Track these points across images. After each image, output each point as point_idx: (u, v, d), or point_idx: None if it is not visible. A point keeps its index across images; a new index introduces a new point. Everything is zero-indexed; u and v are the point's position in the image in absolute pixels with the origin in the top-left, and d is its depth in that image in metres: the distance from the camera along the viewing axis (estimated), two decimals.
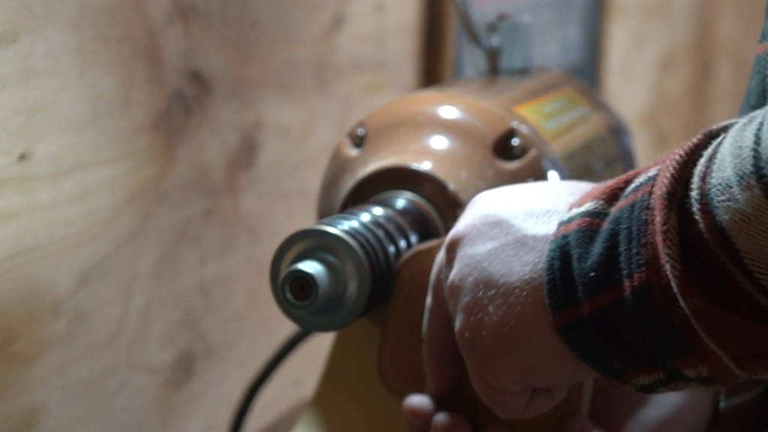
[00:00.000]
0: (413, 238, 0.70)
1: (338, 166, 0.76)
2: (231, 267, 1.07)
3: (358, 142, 0.76)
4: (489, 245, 0.60)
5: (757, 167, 0.50)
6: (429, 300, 0.66)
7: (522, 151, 0.74)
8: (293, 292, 0.64)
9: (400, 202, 0.71)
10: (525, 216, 0.60)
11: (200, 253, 1.02)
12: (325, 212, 0.76)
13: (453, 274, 0.62)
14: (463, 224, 0.62)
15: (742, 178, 0.50)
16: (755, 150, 0.50)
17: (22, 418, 0.85)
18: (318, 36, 1.15)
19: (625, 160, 0.85)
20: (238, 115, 1.05)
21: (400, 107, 0.77)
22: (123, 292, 0.94)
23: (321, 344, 0.88)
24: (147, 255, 0.96)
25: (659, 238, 0.53)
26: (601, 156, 0.82)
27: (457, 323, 0.61)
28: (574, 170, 0.77)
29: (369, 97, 1.23)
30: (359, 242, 0.65)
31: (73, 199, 0.88)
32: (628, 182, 0.57)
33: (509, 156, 0.74)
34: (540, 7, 1.60)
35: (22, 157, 0.82)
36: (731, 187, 0.50)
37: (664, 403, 0.69)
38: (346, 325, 0.67)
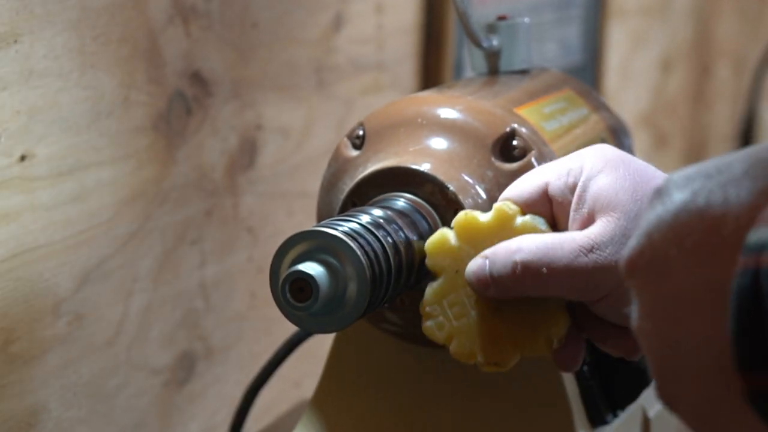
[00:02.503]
0: (413, 239, 0.70)
1: (338, 166, 0.76)
2: (231, 267, 1.07)
3: (358, 142, 0.76)
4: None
5: None
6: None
7: (522, 152, 0.74)
8: (293, 294, 0.64)
9: (400, 203, 0.71)
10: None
11: (200, 253, 1.02)
12: (325, 213, 0.76)
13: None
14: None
15: None
16: None
17: (22, 418, 0.86)
18: (318, 37, 1.15)
19: None
20: (239, 116, 1.05)
21: (400, 108, 0.77)
22: (123, 293, 0.94)
23: (321, 345, 0.88)
24: (147, 255, 0.96)
25: None
26: None
27: (635, 314, 0.51)
28: None
29: (369, 97, 1.23)
30: (359, 244, 0.65)
31: (73, 200, 0.88)
32: None
33: (509, 157, 0.74)
34: (540, 8, 1.60)
35: (23, 158, 0.83)
36: None
37: None
38: (346, 327, 0.67)
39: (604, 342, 0.69)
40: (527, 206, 0.68)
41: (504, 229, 0.68)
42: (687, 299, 0.48)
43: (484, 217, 0.68)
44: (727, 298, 0.45)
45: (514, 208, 0.68)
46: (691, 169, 0.50)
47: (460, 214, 0.69)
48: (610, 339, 0.69)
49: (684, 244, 0.48)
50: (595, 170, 0.67)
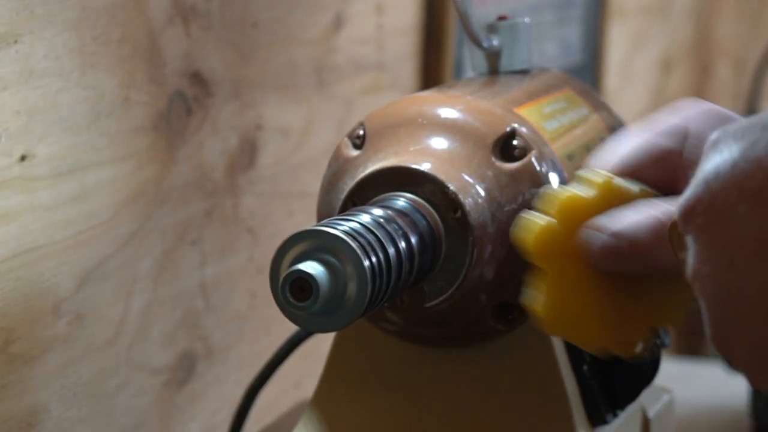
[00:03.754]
0: (413, 239, 0.70)
1: (338, 166, 0.76)
2: (231, 267, 1.07)
3: (358, 142, 0.76)
4: None
5: None
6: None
7: (522, 152, 0.74)
8: (293, 293, 0.64)
9: (400, 203, 0.71)
10: None
11: (200, 253, 1.02)
12: (325, 213, 0.76)
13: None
14: None
15: None
16: None
17: (22, 418, 0.86)
18: (318, 37, 1.15)
19: None
20: (239, 116, 1.05)
21: (400, 108, 0.77)
22: (123, 293, 0.94)
23: (321, 345, 0.88)
24: (147, 255, 0.96)
25: None
26: None
27: (692, 260, 0.52)
28: (574, 171, 0.77)
29: (369, 97, 1.23)
30: (359, 243, 0.65)
31: (73, 200, 0.88)
32: None
33: (509, 157, 0.74)
34: (540, 8, 1.60)
35: (23, 158, 0.83)
36: None
37: None
38: (346, 326, 0.67)
39: None
40: (627, 173, 0.63)
41: (615, 201, 0.63)
42: (747, 244, 0.49)
43: (586, 193, 0.64)
44: None
45: (617, 177, 0.64)
46: (745, 122, 0.51)
47: (558, 194, 0.64)
48: None
49: (744, 189, 0.49)
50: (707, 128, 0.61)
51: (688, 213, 0.52)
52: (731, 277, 0.50)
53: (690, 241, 0.52)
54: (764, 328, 0.48)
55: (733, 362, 0.51)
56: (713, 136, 0.52)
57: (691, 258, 0.52)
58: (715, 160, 0.51)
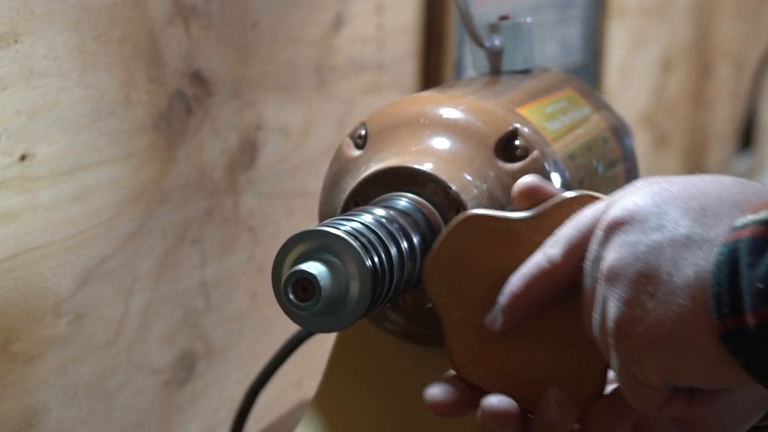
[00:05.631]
0: (415, 239, 0.69)
1: (340, 166, 0.76)
2: (232, 267, 1.07)
3: (360, 142, 0.76)
4: (654, 237, 0.59)
5: None
6: (557, 252, 0.64)
7: (524, 152, 0.74)
8: (296, 293, 0.64)
9: (402, 203, 0.71)
10: (695, 213, 0.59)
11: (201, 253, 1.02)
12: (327, 212, 0.76)
13: (613, 259, 0.60)
14: (629, 207, 0.61)
15: None
16: None
17: (22, 418, 0.85)
18: (318, 37, 1.15)
19: (627, 160, 0.85)
20: (239, 116, 1.05)
21: (402, 108, 0.77)
22: (124, 292, 0.94)
23: (322, 345, 0.88)
24: (148, 255, 0.96)
25: None
26: (603, 156, 0.82)
27: (611, 310, 0.60)
28: (575, 171, 0.77)
29: (369, 97, 1.23)
30: (361, 243, 0.65)
31: (73, 200, 0.88)
32: None
33: (511, 157, 0.74)
34: (540, 8, 1.60)
35: (23, 158, 0.82)
36: None
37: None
38: (348, 326, 0.67)
39: None
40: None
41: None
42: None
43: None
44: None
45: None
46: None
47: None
48: None
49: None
50: None
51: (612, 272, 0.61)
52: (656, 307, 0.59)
53: (610, 296, 0.61)
54: (690, 335, 0.58)
55: (663, 367, 0.60)
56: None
57: (611, 311, 0.61)
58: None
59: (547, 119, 0.78)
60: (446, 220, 0.71)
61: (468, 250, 0.67)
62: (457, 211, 0.71)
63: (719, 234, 0.58)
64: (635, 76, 2.01)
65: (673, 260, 0.58)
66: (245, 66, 1.05)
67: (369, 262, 0.65)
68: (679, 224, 0.59)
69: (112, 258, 0.92)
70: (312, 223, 0.68)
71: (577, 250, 0.63)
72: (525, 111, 0.77)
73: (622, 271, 0.60)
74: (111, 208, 0.91)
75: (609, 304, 0.60)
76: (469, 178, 0.72)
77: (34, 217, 0.84)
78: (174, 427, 1.02)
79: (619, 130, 0.86)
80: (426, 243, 0.70)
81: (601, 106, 0.87)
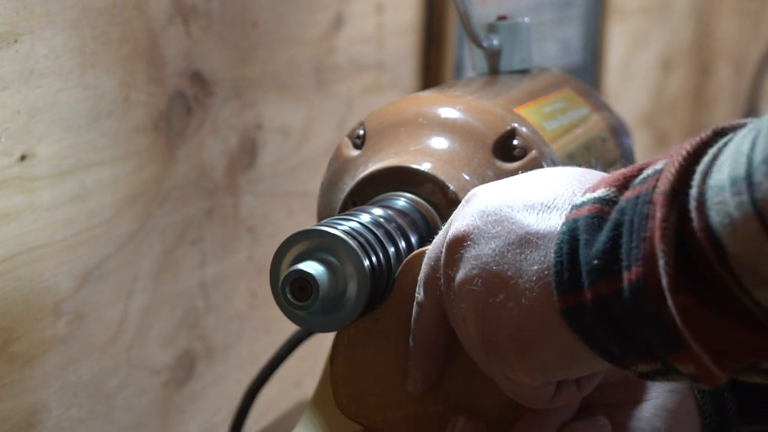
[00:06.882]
0: (413, 239, 0.70)
1: (338, 166, 0.76)
2: (231, 267, 1.07)
3: (359, 142, 0.76)
4: (493, 244, 0.60)
5: (748, 173, 0.50)
6: (421, 296, 0.65)
7: (522, 151, 0.74)
8: (294, 293, 0.64)
9: (400, 203, 0.71)
10: (525, 211, 0.60)
11: (201, 253, 1.02)
12: (325, 212, 0.76)
13: (461, 276, 0.61)
14: (464, 223, 0.62)
15: (734, 182, 0.51)
16: (749, 156, 0.51)
17: (22, 418, 0.86)
18: (318, 36, 1.15)
19: (625, 160, 0.85)
20: (239, 116, 1.05)
21: (401, 107, 0.77)
22: (123, 292, 0.94)
23: (321, 345, 0.88)
24: (147, 255, 0.96)
25: (657, 234, 0.53)
26: (602, 156, 0.82)
27: (471, 327, 0.61)
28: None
29: (369, 97, 1.23)
30: (359, 243, 0.65)
31: (73, 200, 0.88)
32: (640, 171, 0.57)
33: (509, 157, 0.74)
34: (540, 8, 1.60)
35: (23, 158, 0.83)
36: (724, 190, 0.51)
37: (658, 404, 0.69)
38: (346, 326, 0.67)
39: None
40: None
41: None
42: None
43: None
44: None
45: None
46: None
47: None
48: None
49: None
50: None
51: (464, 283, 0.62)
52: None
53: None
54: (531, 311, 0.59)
55: (503, 350, 0.61)
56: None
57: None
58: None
59: (545, 119, 0.78)
60: (444, 220, 0.71)
61: (358, 362, 0.69)
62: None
63: (552, 226, 0.59)
64: (635, 76, 2.01)
65: (515, 262, 0.59)
66: (245, 66, 1.05)
67: (367, 262, 0.65)
68: (513, 227, 0.60)
69: (111, 258, 0.92)
70: (312, 223, 0.69)
71: (434, 280, 0.64)
72: (523, 111, 0.77)
73: (471, 285, 0.61)
74: (111, 208, 0.92)
75: (468, 323, 0.61)
76: (467, 177, 0.72)
77: (34, 217, 0.84)
78: (174, 427, 1.02)
79: (617, 130, 0.86)
80: (424, 243, 0.70)
81: (600, 106, 0.87)
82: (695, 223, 0.52)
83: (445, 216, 0.72)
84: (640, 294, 0.54)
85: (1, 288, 0.82)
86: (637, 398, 0.69)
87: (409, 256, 0.68)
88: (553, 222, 0.59)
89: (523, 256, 0.59)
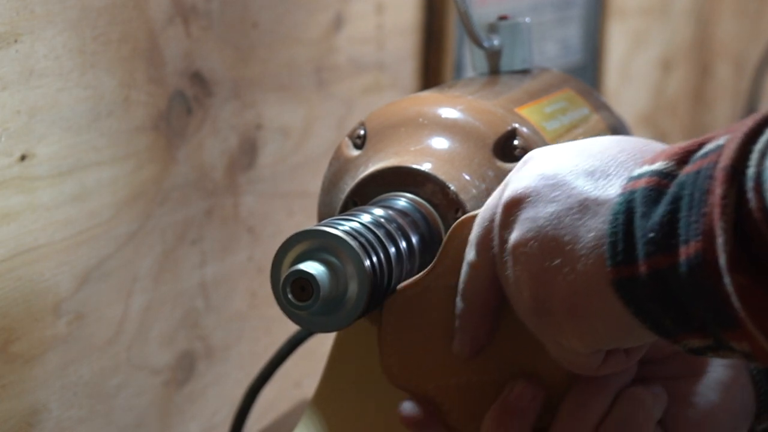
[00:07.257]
0: (414, 239, 0.70)
1: (339, 166, 0.76)
2: (231, 267, 1.07)
3: (359, 142, 0.76)
4: (551, 208, 0.60)
5: None
6: (472, 256, 0.64)
7: (523, 151, 0.74)
8: (294, 293, 0.64)
9: (401, 203, 0.71)
10: (586, 177, 0.60)
11: (201, 253, 1.02)
12: (326, 213, 0.76)
13: (516, 238, 0.61)
14: (521, 184, 0.62)
15: None
16: None
17: (22, 418, 0.86)
18: (318, 37, 1.15)
19: None
20: (239, 116, 1.05)
21: (401, 108, 0.77)
22: (123, 292, 0.94)
23: (321, 344, 0.88)
24: (147, 255, 0.96)
25: (717, 210, 0.52)
26: None
27: (524, 290, 0.61)
28: None
29: (369, 97, 1.23)
30: (360, 243, 0.65)
31: (73, 200, 0.88)
32: (701, 146, 0.57)
33: (510, 157, 0.74)
34: (540, 8, 1.60)
35: (23, 158, 0.83)
36: None
37: (708, 393, 0.69)
38: (346, 326, 0.67)
39: None
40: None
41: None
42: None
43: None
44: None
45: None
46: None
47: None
48: None
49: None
50: None
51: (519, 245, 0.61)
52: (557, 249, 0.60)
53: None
54: (583, 281, 0.59)
55: (555, 316, 0.61)
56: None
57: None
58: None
59: (546, 119, 0.78)
60: (445, 220, 0.71)
61: (407, 331, 0.68)
62: (456, 211, 0.71)
63: (611, 194, 0.58)
64: (635, 76, 2.01)
65: (572, 228, 0.59)
66: (245, 66, 1.05)
67: (367, 262, 0.65)
68: (572, 192, 0.60)
69: (111, 258, 0.92)
70: (312, 223, 0.69)
71: (487, 241, 0.64)
72: (524, 111, 0.77)
73: (526, 248, 0.60)
74: (111, 208, 0.92)
75: (521, 285, 0.61)
76: (467, 177, 0.72)
77: (34, 217, 0.84)
78: (174, 427, 1.02)
79: (618, 130, 0.86)
80: (425, 243, 0.70)
81: (600, 106, 0.87)
82: (752, 203, 0.51)
83: (445, 216, 0.72)
84: (698, 269, 0.54)
85: (1, 288, 0.82)
86: (695, 371, 0.68)
87: (459, 220, 0.67)
88: (612, 191, 0.59)
89: (581, 222, 0.59)
